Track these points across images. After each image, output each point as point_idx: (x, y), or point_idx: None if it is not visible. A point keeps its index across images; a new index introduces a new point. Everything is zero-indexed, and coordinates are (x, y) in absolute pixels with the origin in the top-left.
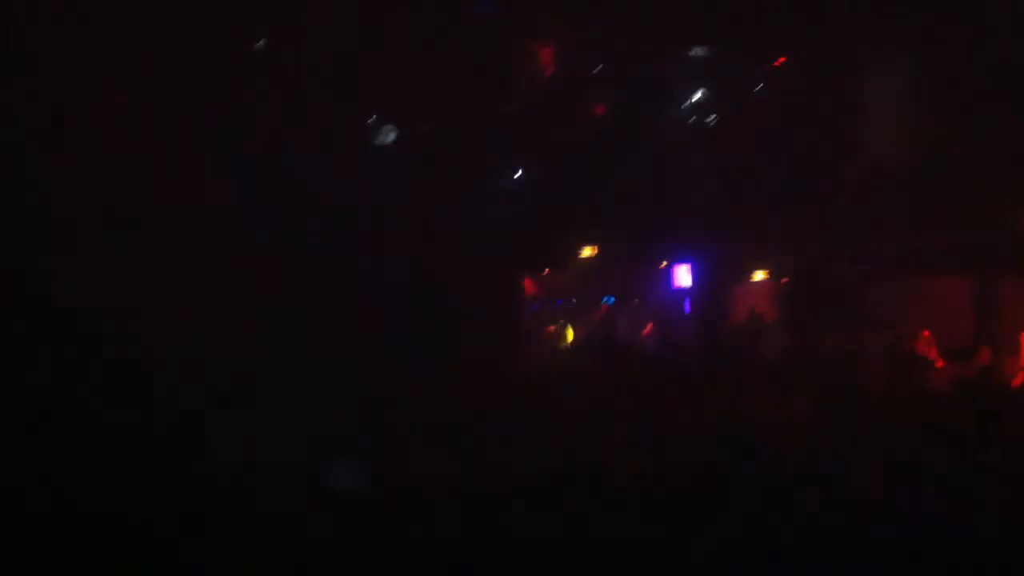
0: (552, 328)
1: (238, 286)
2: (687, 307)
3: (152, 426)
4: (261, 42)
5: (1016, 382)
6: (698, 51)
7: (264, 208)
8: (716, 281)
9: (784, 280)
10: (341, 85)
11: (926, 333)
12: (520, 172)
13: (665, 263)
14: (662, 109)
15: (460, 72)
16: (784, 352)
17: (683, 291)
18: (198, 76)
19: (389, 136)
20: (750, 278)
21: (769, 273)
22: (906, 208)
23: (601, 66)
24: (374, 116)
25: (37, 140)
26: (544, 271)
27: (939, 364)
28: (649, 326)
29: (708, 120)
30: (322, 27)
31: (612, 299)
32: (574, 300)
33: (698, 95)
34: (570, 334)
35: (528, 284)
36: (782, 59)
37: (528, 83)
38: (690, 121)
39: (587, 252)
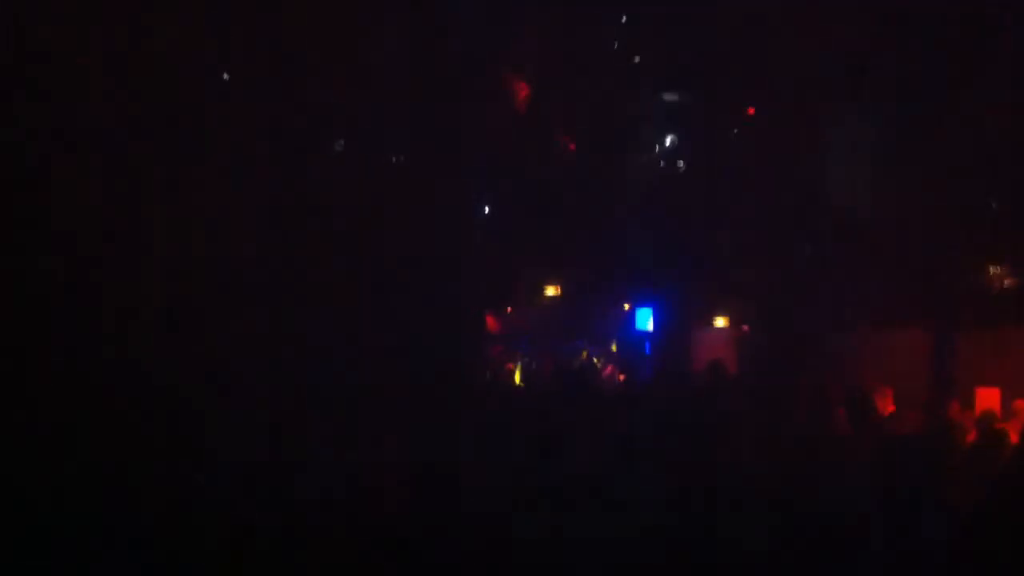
0: (511, 366)
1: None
2: (647, 350)
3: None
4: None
5: (969, 437)
6: (669, 96)
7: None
8: (677, 325)
9: (744, 327)
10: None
11: (885, 388)
12: (485, 209)
13: (627, 305)
14: (630, 152)
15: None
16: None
17: (644, 334)
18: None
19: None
20: (711, 324)
21: (729, 320)
22: (867, 261)
23: (570, 105)
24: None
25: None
26: (507, 309)
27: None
28: (609, 368)
29: (676, 165)
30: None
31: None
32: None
33: (667, 140)
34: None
35: (490, 321)
36: (751, 109)
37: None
38: (659, 165)
39: (550, 291)
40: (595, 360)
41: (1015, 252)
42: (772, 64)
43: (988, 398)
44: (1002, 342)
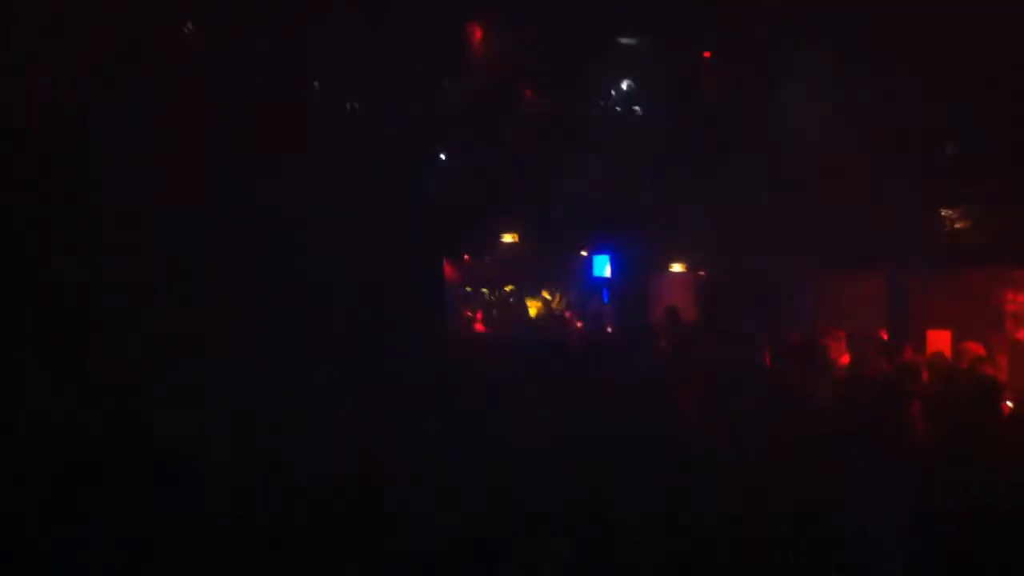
0: (469, 312)
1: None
2: (605, 297)
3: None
4: None
5: (924, 377)
6: (626, 40)
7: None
8: (635, 271)
9: (701, 272)
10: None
11: (839, 332)
12: (443, 156)
13: (585, 252)
14: (587, 97)
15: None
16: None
17: (602, 280)
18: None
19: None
20: (668, 269)
21: (687, 265)
22: (823, 204)
23: (527, 53)
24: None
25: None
26: (464, 257)
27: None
28: (567, 314)
29: (633, 109)
30: None
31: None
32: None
33: (625, 84)
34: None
35: (448, 270)
36: (708, 53)
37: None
38: (616, 110)
39: (508, 239)
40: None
41: (967, 194)
42: (726, 8)
43: (939, 340)
44: (954, 285)
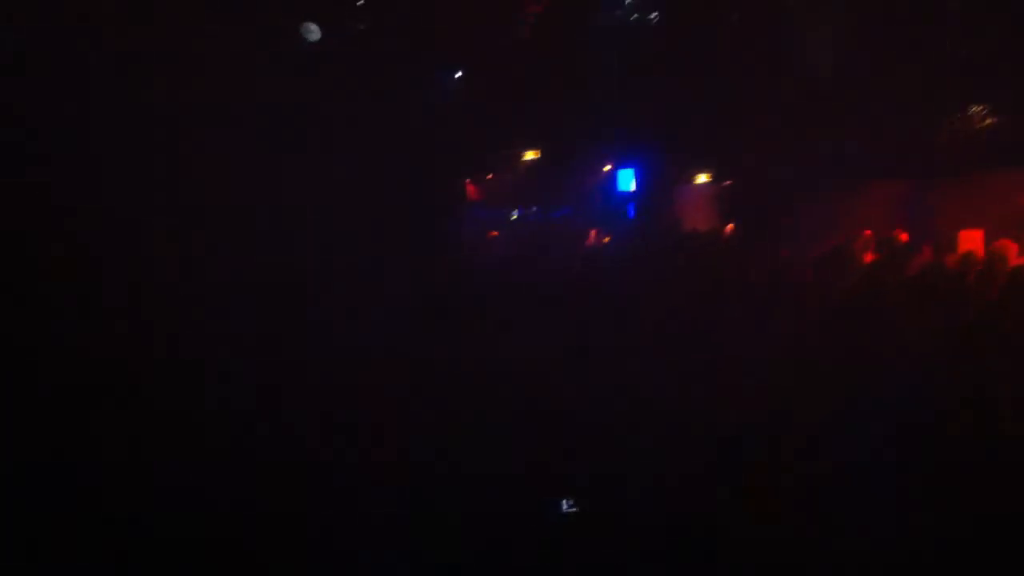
0: (495, 232)
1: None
2: (631, 212)
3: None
4: None
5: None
6: None
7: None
8: (658, 184)
9: (726, 183)
10: None
11: (867, 232)
12: (460, 75)
13: (608, 167)
14: (603, 8)
15: None
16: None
17: (627, 195)
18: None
19: (313, 35)
20: (692, 181)
21: (711, 176)
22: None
23: None
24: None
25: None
26: (487, 176)
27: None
28: (593, 232)
29: (651, 19)
30: None
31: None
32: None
33: None
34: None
35: (471, 189)
36: None
37: None
38: (632, 19)
39: (530, 155)
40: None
41: (993, 93)
42: None
43: (971, 240)
44: (984, 185)
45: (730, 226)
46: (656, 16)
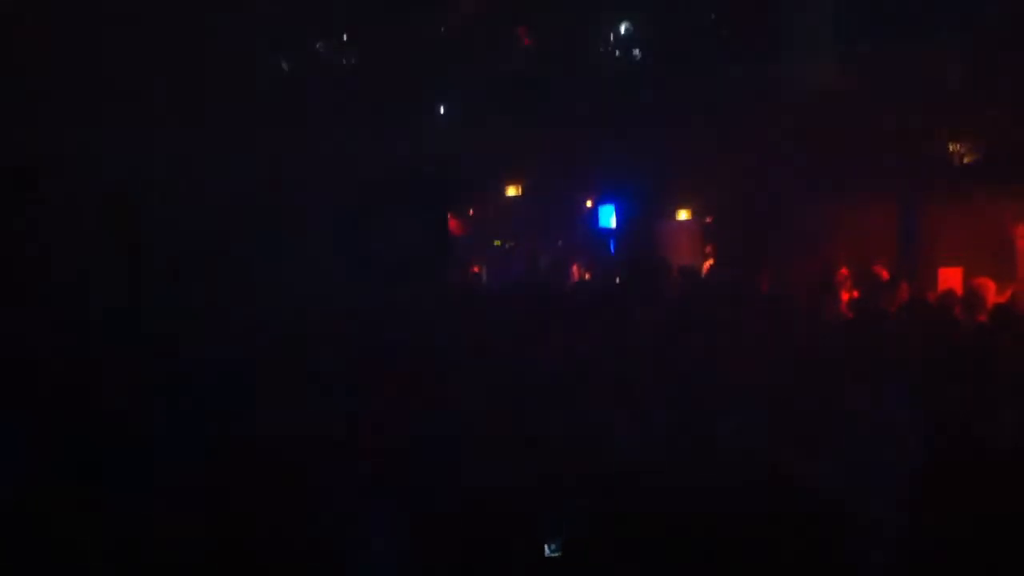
0: (477, 268)
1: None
2: (611, 248)
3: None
4: None
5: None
6: None
7: None
8: (640, 220)
9: (708, 219)
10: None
11: (844, 271)
12: (444, 108)
13: (590, 202)
14: (588, 42)
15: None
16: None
17: (608, 231)
18: None
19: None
20: (674, 217)
21: (692, 212)
22: (830, 136)
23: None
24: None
25: None
26: (469, 210)
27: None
28: (574, 266)
29: (633, 54)
30: None
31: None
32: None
33: (623, 27)
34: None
35: (453, 223)
36: None
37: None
38: (615, 55)
39: (512, 191)
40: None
41: (978, 127)
42: None
43: (950, 278)
44: (966, 218)
45: (709, 261)
46: (638, 54)
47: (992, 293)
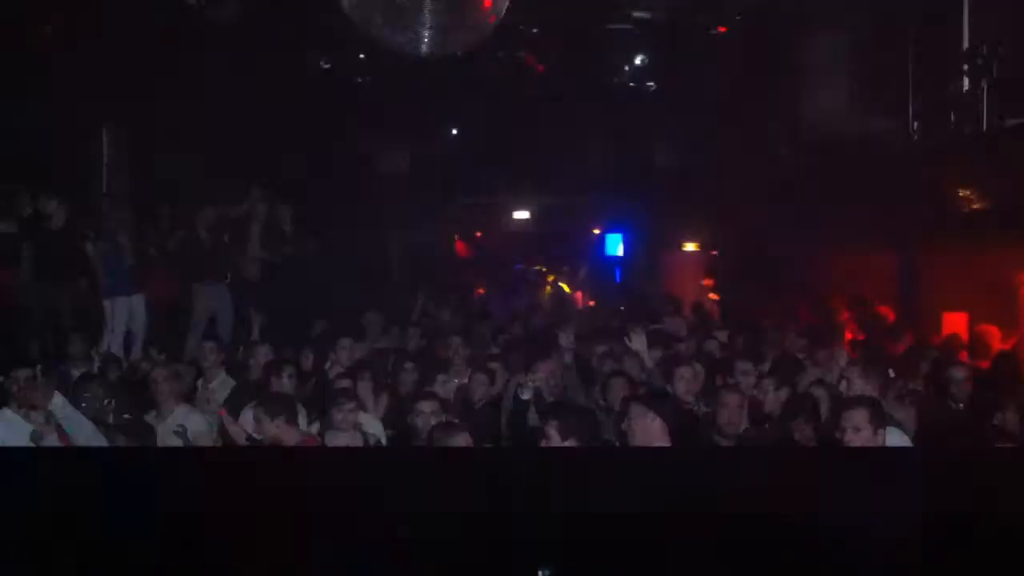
0: (482, 290)
1: None
2: (617, 276)
3: None
4: None
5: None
6: (639, 14)
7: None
8: (647, 250)
9: (713, 252)
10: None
11: (844, 315)
12: (455, 132)
13: (597, 231)
14: (602, 72)
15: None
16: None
17: (614, 259)
18: None
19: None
20: (681, 248)
21: (700, 244)
22: (836, 182)
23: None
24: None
25: None
26: (476, 234)
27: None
28: (579, 294)
29: (647, 85)
30: None
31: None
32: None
33: (639, 59)
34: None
35: (460, 247)
36: (722, 28)
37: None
38: (629, 85)
39: (520, 216)
40: (562, 286)
41: (984, 176)
42: None
43: (955, 323)
44: (971, 264)
45: (713, 296)
46: (653, 85)
47: (997, 340)
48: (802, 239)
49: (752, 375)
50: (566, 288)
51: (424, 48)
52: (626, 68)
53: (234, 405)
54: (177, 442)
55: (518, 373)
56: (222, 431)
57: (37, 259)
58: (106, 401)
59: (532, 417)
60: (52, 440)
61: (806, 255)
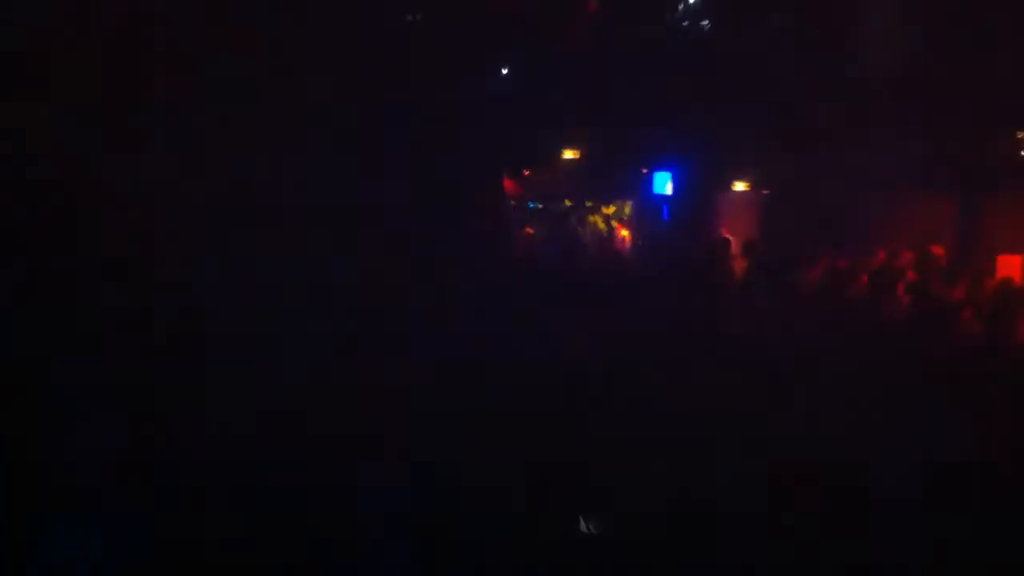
0: (531, 229)
1: None
2: (665, 214)
3: None
4: None
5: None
6: None
7: None
8: (696, 189)
9: (765, 192)
10: None
11: (907, 254)
12: (505, 70)
13: (646, 169)
14: (652, 12)
15: None
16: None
17: (663, 198)
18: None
19: None
20: (731, 188)
21: (751, 184)
22: (893, 123)
23: None
24: None
25: None
26: (525, 172)
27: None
28: (620, 229)
29: (700, 24)
30: None
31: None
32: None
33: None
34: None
35: (509, 184)
36: None
37: None
38: (682, 25)
39: (570, 154)
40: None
41: None
42: None
43: (1009, 266)
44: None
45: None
46: (708, 24)
47: None
48: (857, 182)
49: None
50: (614, 224)
51: None
52: (678, 8)
53: None
54: None
55: None
56: None
57: None
58: None
59: None
60: None
61: (859, 194)
